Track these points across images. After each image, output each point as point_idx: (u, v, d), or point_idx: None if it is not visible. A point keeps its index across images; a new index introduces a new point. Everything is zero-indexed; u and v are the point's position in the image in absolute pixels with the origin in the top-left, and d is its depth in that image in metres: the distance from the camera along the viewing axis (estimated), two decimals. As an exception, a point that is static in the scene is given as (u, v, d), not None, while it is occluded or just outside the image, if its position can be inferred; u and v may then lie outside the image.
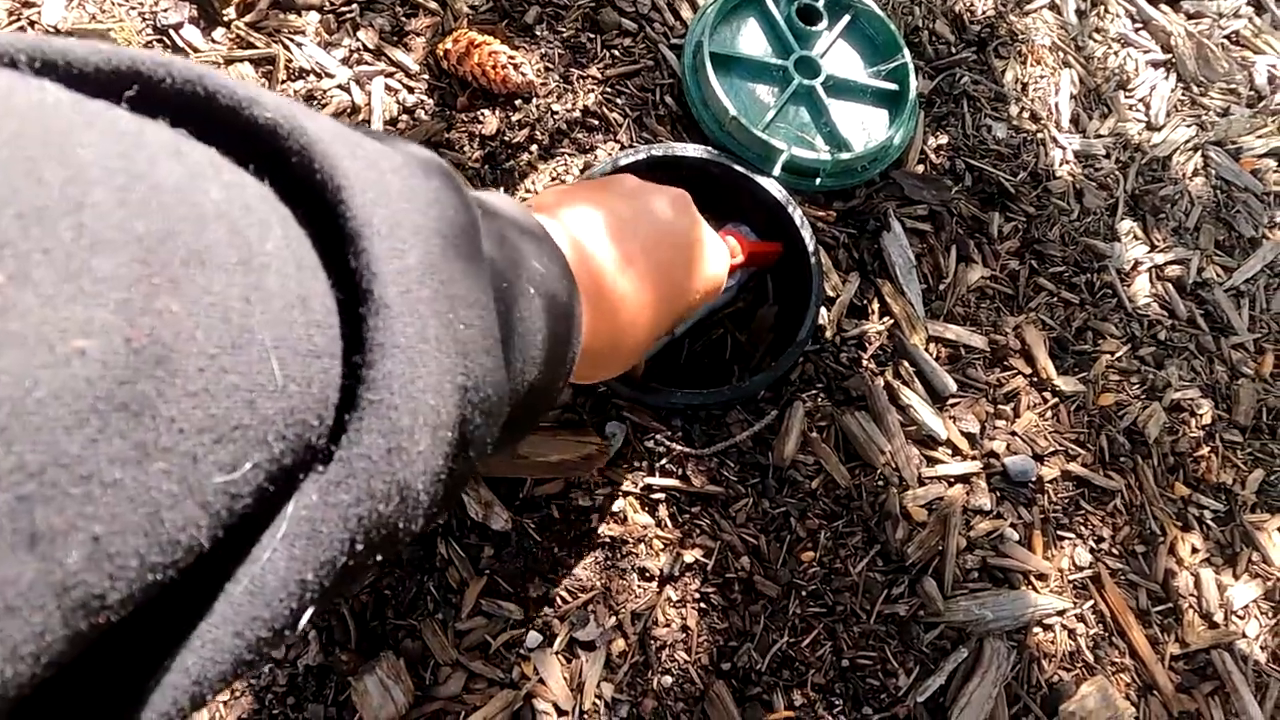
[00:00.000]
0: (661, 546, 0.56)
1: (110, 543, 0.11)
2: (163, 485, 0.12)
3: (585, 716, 0.52)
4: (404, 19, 0.69)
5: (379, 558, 0.18)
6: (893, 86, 0.71)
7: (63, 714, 0.13)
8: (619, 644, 0.54)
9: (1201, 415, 0.70)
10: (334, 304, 0.16)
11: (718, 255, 0.43)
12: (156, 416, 0.12)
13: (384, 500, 0.17)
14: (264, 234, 0.15)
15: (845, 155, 0.66)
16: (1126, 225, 0.78)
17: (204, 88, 0.15)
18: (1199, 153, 0.84)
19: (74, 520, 0.10)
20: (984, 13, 0.84)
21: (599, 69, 0.69)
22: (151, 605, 0.13)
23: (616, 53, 0.70)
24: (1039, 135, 0.79)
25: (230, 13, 0.66)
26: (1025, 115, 0.80)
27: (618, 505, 0.56)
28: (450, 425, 0.19)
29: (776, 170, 0.64)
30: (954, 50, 0.80)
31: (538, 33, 0.70)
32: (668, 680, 0.53)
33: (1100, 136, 0.82)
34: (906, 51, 0.71)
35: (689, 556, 0.56)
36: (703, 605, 0.55)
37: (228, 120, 0.16)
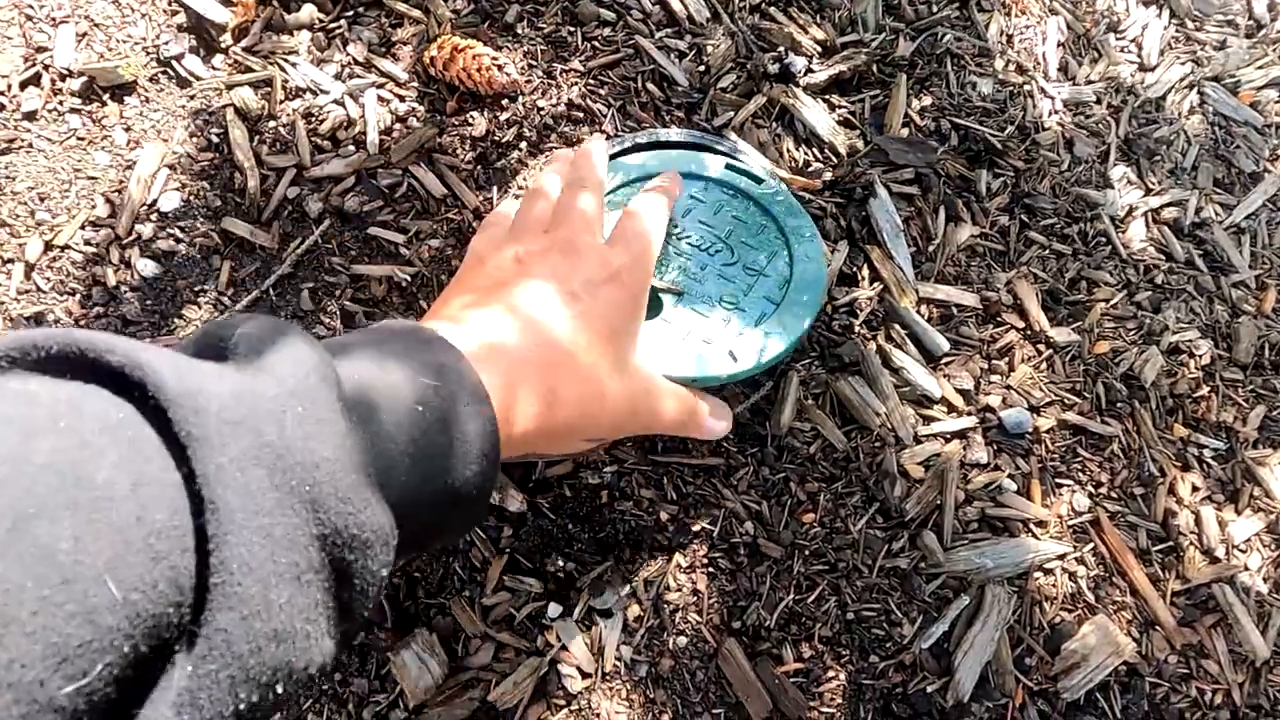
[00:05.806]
0: (668, 517, 0.59)
1: None
2: (13, 711, 0.15)
3: (607, 677, 0.56)
4: (390, 29, 0.71)
5: (282, 690, 0.21)
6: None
7: None
8: (634, 610, 0.57)
9: (1200, 356, 0.71)
10: (183, 502, 0.19)
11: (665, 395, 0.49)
12: None
13: (254, 654, 0.20)
14: (96, 467, 0.18)
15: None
16: (1120, 171, 0.78)
17: (77, 346, 0.20)
18: (1194, 90, 0.83)
19: None
20: (966, -34, 0.83)
21: (581, 62, 0.71)
22: None
23: (597, 44, 0.72)
24: (1026, 87, 0.79)
25: (227, 39, 0.69)
26: (1011, 68, 0.79)
27: (624, 482, 0.60)
28: (317, 568, 0.22)
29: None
30: (934, 8, 0.80)
31: (519, 31, 0.72)
32: (682, 640, 0.57)
33: (1091, 82, 0.81)
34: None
35: (695, 525, 0.59)
36: (711, 569, 0.59)
37: (95, 365, 0.21)
